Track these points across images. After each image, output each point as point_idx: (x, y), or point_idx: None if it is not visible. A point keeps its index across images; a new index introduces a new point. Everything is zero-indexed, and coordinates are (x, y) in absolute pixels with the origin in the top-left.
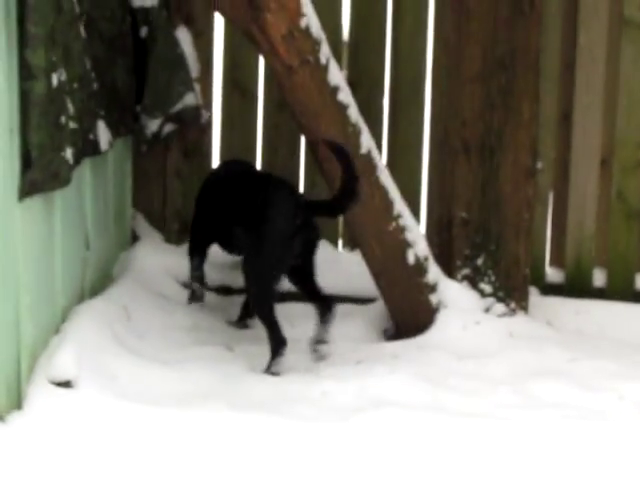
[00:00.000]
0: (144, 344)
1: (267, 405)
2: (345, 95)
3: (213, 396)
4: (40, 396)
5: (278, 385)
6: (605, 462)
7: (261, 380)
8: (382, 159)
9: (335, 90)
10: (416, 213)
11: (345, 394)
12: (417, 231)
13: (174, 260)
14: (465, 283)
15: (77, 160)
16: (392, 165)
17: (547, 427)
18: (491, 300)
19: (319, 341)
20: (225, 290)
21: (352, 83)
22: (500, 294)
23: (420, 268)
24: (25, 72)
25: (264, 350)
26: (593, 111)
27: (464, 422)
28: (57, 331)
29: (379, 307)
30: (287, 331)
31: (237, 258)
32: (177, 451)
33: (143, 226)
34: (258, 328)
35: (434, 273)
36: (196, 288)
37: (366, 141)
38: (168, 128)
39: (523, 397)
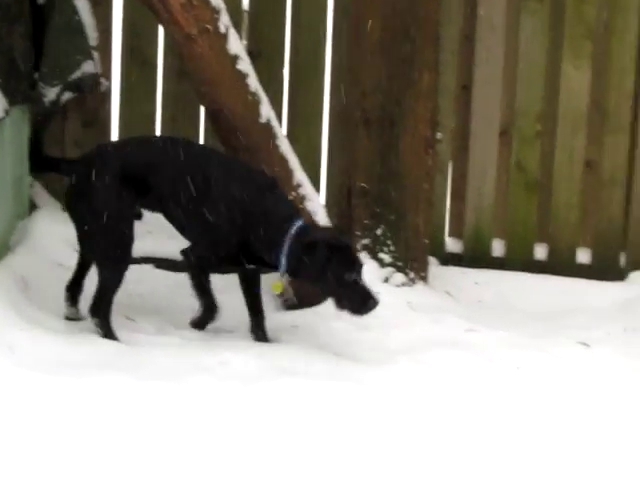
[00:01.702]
0: (43, 314)
1: (166, 374)
2: (245, 64)
3: (113, 365)
4: None
5: (178, 354)
6: (498, 430)
7: (161, 349)
8: (282, 129)
9: (234, 59)
10: (316, 183)
11: (245, 363)
12: (317, 201)
13: (72, 229)
14: (364, 253)
15: None
16: (292, 135)
17: (445, 396)
18: (390, 270)
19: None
20: None
21: (252, 53)
22: (399, 264)
23: None
24: None
25: (163, 320)
26: (492, 82)
27: (363, 391)
28: None
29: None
30: (186, 301)
31: None
32: (74, 418)
33: (41, 195)
34: (158, 298)
35: None
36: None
37: (265, 111)
38: (66, 96)
39: (422, 367)
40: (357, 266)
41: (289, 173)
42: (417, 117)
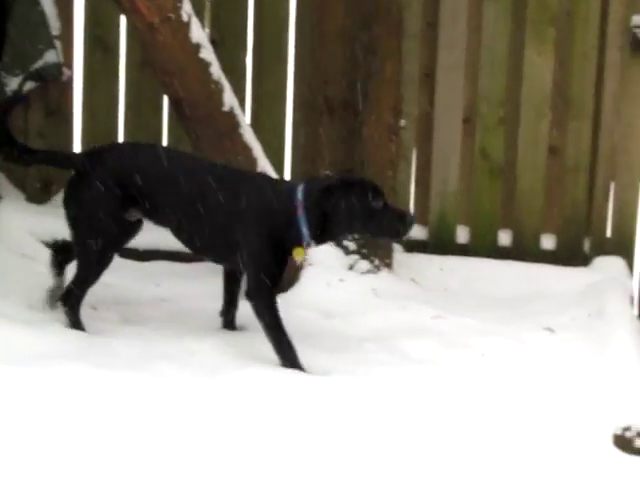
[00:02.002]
0: (6, 304)
1: (132, 364)
2: (207, 53)
3: (78, 355)
4: None
5: (143, 345)
6: (461, 416)
7: (126, 339)
8: (245, 116)
9: (197, 48)
10: (280, 170)
11: (211, 352)
12: None
13: (36, 219)
14: None
15: None
16: (256, 122)
17: (411, 383)
18: (355, 257)
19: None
20: None
21: (215, 41)
22: (364, 251)
23: None
24: None
25: (128, 310)
26: (455, 70)
27: (329, 380)
28: None
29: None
30: (151, 290)
31: None
32: (39, 409)
33: (5, 185)
34: (123, 288)
35: None
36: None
37: (229, 99)
38: (28, 86)
39: (388, 354)
40: (379, 191)
41: (253, 161)
42: (380, 105)
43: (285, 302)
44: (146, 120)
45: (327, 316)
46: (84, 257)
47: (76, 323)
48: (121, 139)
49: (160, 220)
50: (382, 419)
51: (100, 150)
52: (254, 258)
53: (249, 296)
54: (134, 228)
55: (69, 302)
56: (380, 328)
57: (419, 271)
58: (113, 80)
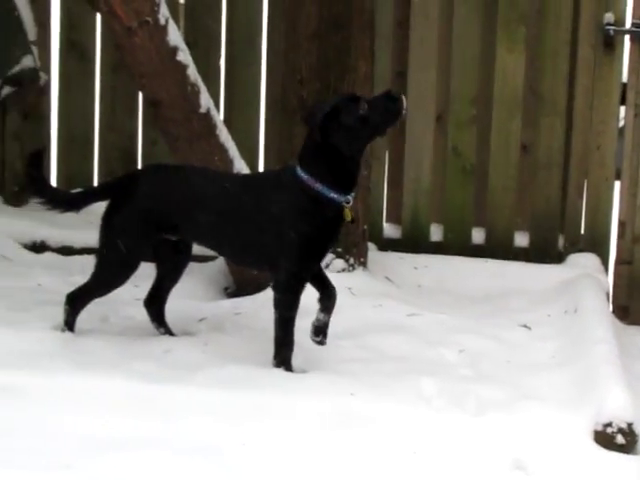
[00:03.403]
0: None
1: (110, 362)
2: (184, 55)
3: (58, 354)
4: None
5: (122, 343)
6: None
7: (105, 339)
8: (220, 118)
9: (174, 50)
10: (254, 170)
11: (188, 351)
12: None
13: (14, 221)
14: None
15: None
16: (229, 123)
17: (390, 380)
18: (330, 256)
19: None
20: (67, 250)
21: (189, 43)
22: (339, 250)
23: None
24: None
25: (106, 310)
26: (427, 68)
27: (307, 377)
28: None
29: (218, 265)
30: (130, 291)
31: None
32: (21, 411)
33: None
34: None
35: None
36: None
37: (205, 100)
38: (6, 91)
39: (365, 352)
40: (355, 96)
41: (229, 162)
42: None
43: (261, 301)
44: (121, 123)
45: (303, 314)
46: (103, 273)
47: (70, 324)
48: (96, 143)
49: (197, 239)
50: (357, 417)
51: (132, 176)
52: (291, 252)
53: (276, 289)
54: (177, 249)
55: (73, 304)
56: (356, 326)
57: (393, 269)
58: (88, 83)
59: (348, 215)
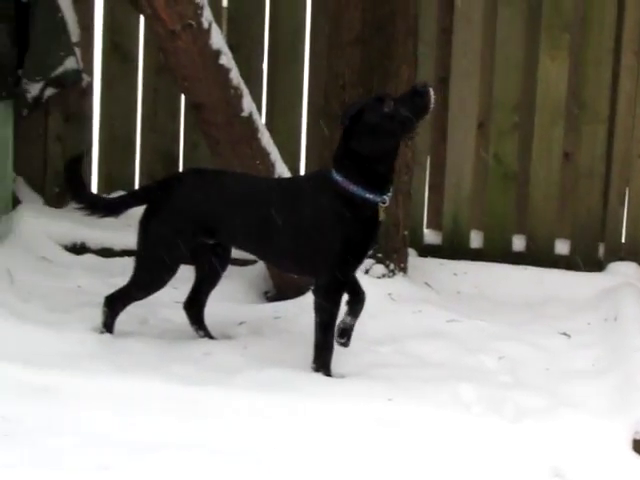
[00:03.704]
0: (28, 307)
1: (150, 365)
2: (227, 59)
3: (98, 356)
4: None
5: (161, 346)
6: (486, 416)
7: (144, 341)
8: (262, 122)
9: (217, 54)
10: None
11: (228, 355)
12: None
13: (55, 223)
14: None
15: None
16: (271, 128)
17: (429, 386)
18: (371, 262)
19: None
20: (107, 252)
21: (232, 46)
22: (379, 255)
23: None
24: None
25: (145, 312)
26: (470, 74)
27: (346, 382)
28: None
29: (258, 269)
30: (169, 293)
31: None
32: (61, 411)
33: (23, 189)
34: None
35: None
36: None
37: (247, 104)
38: (49, 92)
39: (404, 357)
40: (380, 96)
41: (270, 166)
42: None
43: (301, 305)
44: (163, 125)
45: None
46: (142, 276)
47: (108, 326)
48: (138, 145)
49: (235, 243)
50: (394, 422)
51: (170, 181)
52: (331, 256)
53: (317, 293)
54: (216, 252)
55: (112, 306)
56: (395, 332)
57: (433, 276)
58: (131, 85)
59: (381, 214)
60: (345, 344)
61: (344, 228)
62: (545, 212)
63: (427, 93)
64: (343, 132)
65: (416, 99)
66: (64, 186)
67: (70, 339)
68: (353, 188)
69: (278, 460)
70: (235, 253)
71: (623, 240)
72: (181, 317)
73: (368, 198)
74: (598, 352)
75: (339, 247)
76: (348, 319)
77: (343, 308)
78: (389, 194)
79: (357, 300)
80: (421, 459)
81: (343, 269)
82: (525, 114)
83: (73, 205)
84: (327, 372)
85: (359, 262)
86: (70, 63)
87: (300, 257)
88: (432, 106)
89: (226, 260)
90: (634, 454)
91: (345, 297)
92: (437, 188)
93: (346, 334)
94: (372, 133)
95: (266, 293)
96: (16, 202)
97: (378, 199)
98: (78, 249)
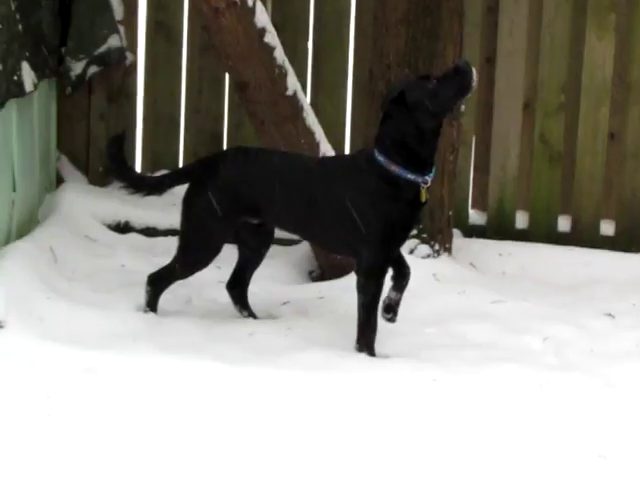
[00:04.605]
0: (71, 286)
1: (194, 345)
2: (272, 37)
3: (142, 336)
4: None
5: (205, 326)
6: (529, 402)
7: (188, 321)
8: (307, 101)
9: (262, 32)
10: None
11: (272, 334)
12: None
13: (98, 202)
14: None
15: (2, 101)
16: (316, 107)
17: (473, 366)
18: (415, 242)
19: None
20: (151, 231)
21: (276, 25)
22: (424, 236)
23: None
24: None
25: (189, 292)
26: (516, 54)
27: (389, 362)
28: None
29: (303, 249)
30: (213, 273)
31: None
32: (103, 392)
33: (67, 168)
34: None
35: None
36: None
37: (292, 83)
38: (92, 70)
39: (448, 338)
40: (422, 75)
41: (315, 145)
42: None
43: (345, 285)
44: (208, 105)
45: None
46: (186, 256)
47: (152, 305)
48: (182, 124)
49: (278, 222)
50: (439, 403)
51: (213, 159)
52: (373, 236)
53: (360, 273)
54: (259, 232)
55: (155, 285)
56: (440, 312)
57: (478, 256)
58: (175, 65)
59: (423, 196)
60: (391, 319)
61: (386, 209)
62: (590, 193)
63: (469, 72)
64: (384, 112)
65: (458, 78)
66: (106, 165)
67: (113, 319)
68: (395, 169)
69: (323, 441)
70: (279, 233)
71: None
72: (225, 297)
73: (410, 179)
74: None
75: (381, 228)
76: (393, 294)
77: (388, 284)
78: (431, 175)
79: (402, 275)
80: (466, 440)
81: (385, 250)
82: (571, 94)
83: (117, 184)
84: (371, 352)
85: (401, 243)
86: (114, 41)
87: (343, 237)
88: (474, 85)
89: (269, 240)
90: None
91: (390, 272)
92: (482, 168)
93: (392, 309)
94: (414, 113)
95: (311, 273)
96: (60, 181)
97: (420, 180)
98: (122, 228)
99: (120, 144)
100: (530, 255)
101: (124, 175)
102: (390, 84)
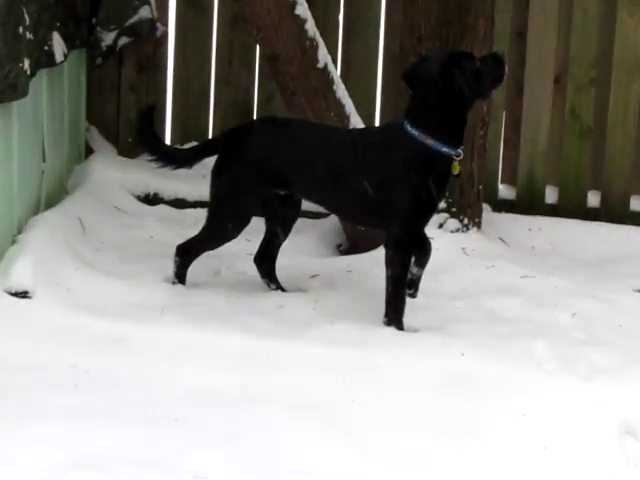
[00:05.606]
0: (99, 256)
1: (222, 317)
2: (303, 9)
3: (170, 307)
4: None
5: (234, 298)
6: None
7: (216, 293)
8: (337, 73)
9: (293, 4)
10: None
11: (300, 308)
12: None
13: (128, 173)
14: None
15: (33, 71)
16: (347, 80)
17: (502, 340)
18: (445, 216)
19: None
20: (180, 203)
21: None
22: (453, 210)
23: None
24: None
25: (218, 263)
26: (547, 29)
27: (418, 336)
28: (13, 242)
29: (331, 222)
30: (243, 245)
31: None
32: (132, 362)
33: (97, 139)
34: None
35: None
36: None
37: (323, 55)
38: (123, 41)
39: (477, 312)
40: (468, 53)
41: (345, 118)
42: None
43: (373, 258)
44: (238, 77)
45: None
46: (215, 227)
47: (180, 276)
48: (212, 96)
49: (306, 194)
50: (467, 377)
51: (242, 130)
52: (404, 209)
53: (388, 246)
54: (286, 204)
55: (183, 256)
56: (469, 286)
57: (507, 231)
58: (206, 36)
59: (456, 168)
60: (413, 295)
61: (418, 181)
62: (621, 168)
63: (505, 63)
64: (425, 82)
65: (495, 65)
66: (135, 137)
67: (142, 290)
68: (430, 142)
69: (351, 414)
70: (307, 206)
71: None
72: (254, 269)
73: (444, 151)
74: None
75: (412, 200)
76: (415, 270)
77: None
78: (462, 147)
79: (424, 252)
80: (492, 415)
81: (415, 222)
82: (602, 69)
83: (146, 156)
84: (399, 326)
85: (430, 215)
86: (144, 12)
87: (372, 209)
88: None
89: (296, 212)
90: None
91: None
92: (512, 143)
93: (414, 285)
94: (459, 88)
95: (339, 246)
96: (89, 152)
97: (453, 152)
98: (151, 200)
99: (150, 116)
100: (559, 230)
101: (154, 148)
102: (425, 55)
